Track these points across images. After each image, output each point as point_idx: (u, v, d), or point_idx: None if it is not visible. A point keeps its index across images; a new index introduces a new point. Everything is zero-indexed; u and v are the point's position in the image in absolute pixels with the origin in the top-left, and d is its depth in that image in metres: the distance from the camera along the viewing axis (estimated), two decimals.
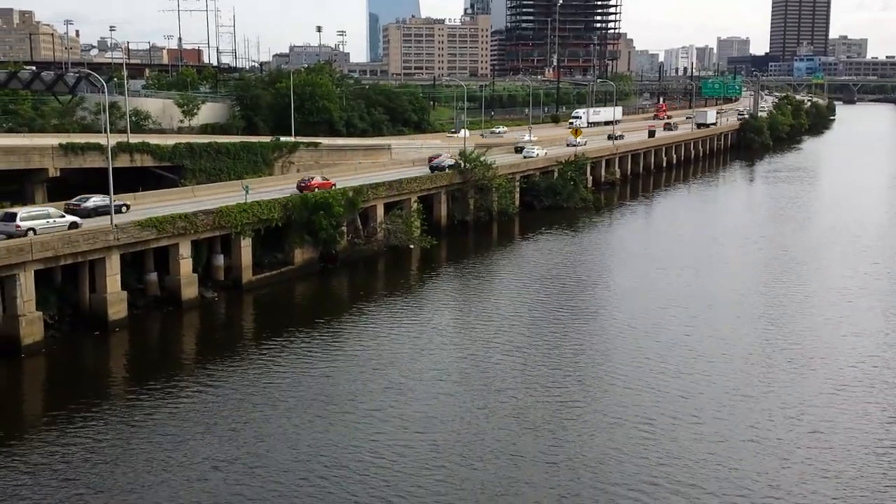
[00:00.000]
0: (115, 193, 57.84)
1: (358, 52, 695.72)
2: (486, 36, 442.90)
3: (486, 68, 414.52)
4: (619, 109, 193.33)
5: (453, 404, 42.14)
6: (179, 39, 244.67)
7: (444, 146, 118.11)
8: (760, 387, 44.97)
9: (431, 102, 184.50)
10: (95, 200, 61.99)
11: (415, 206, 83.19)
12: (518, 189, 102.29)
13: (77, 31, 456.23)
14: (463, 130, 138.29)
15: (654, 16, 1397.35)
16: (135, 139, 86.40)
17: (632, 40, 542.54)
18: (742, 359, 49.52)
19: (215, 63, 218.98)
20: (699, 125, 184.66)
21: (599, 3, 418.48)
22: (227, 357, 49.32)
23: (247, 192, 67.91)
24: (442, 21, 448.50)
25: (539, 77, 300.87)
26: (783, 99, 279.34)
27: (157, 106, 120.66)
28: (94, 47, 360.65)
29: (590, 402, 42.54)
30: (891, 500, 33.23)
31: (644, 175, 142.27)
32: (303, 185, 76.73)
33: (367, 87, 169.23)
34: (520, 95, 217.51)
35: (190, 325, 57.56)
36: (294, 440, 37.76)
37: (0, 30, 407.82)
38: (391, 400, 42.53)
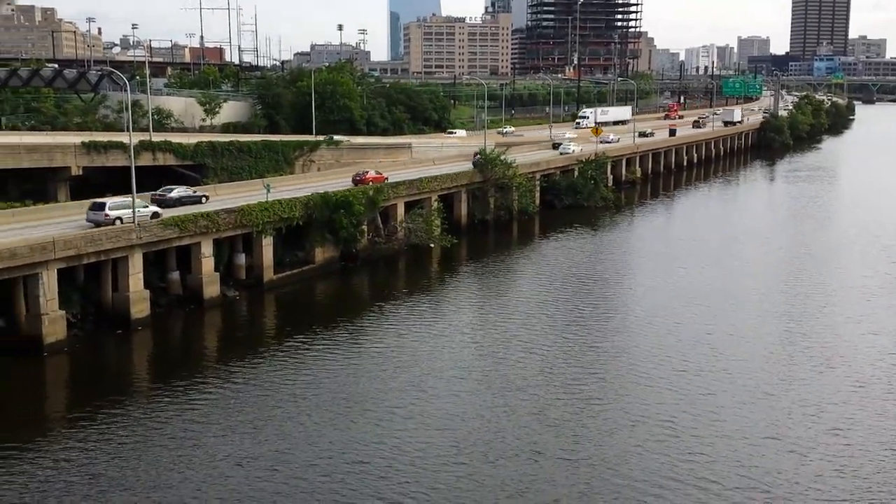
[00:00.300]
0: (138, 192, 58.21)
1: (379, 50, 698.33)
2: (507, 34, 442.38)
3: (507, 67, 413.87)
4: (628, 109, 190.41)
5: (474, 402, 42.16)
6: (201, 38, 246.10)
7: (465, 144, 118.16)
8: (781, 385, 44.77)
9: (452, 101, 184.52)
10: (179, 191, 67.15)
11: (435, 204, 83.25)
12: (538, 188, 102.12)
13: (99, 29, 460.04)
14: (460, 131, 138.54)
15: (675, 15, 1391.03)
16: (157, 138, 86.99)
17: (652, 39, 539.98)
18: (762, 357, 49.28)
19: (237, 62, 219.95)
20: (725, 123, 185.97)
21: (620, 1, 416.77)
22: (248, 355, 49.58)
23: (268, 190, 68.21)
24: (463, 19, 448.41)
25: (559, 76, 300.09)
26: (803, 98, 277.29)
27: (180, 104, 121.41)
28: (116, 45, 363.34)
29: (610, 400, 42.42)
30: None
31: (665, 174, 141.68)
32: (358, 178, 79.83)
33: (388, 85, 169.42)
34: (540, 94, 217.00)
35: (212, 324, 57.91)
36: (315, 438, 37.90)
37: (22, 27, 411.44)
38: (412, 398, 42.60)
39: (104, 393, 43.51)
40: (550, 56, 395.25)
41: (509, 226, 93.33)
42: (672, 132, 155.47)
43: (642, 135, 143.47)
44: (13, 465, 35.02)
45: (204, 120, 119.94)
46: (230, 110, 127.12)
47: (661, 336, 53.24)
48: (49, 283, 49.12)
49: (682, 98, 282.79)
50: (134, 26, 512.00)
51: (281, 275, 66.11)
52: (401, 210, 78.97)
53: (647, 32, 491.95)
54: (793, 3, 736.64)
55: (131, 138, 60.47)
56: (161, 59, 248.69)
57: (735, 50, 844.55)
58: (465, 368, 47.07)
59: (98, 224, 55.20)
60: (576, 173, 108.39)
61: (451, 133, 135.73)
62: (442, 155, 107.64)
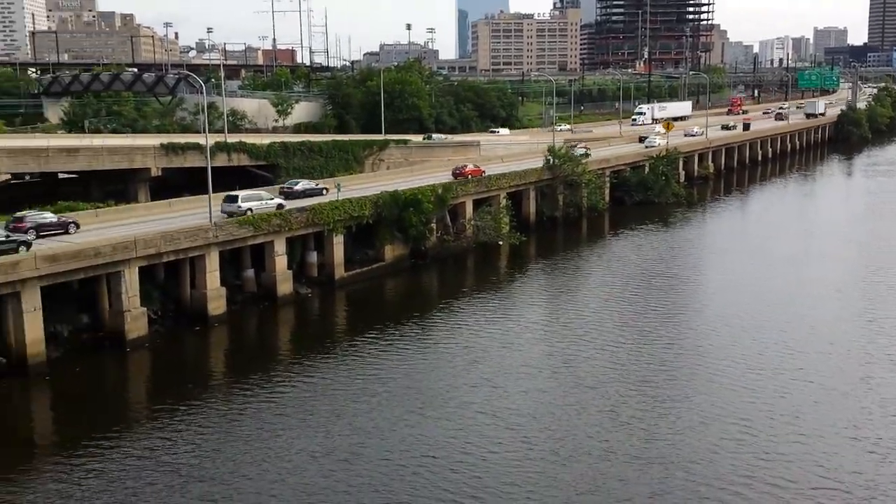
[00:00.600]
0: (214, 192, 59.72)
1: (447, 48, 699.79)
2: (576, 30, 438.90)
3: (576, 62, 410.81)
4: (687, 104, 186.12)
5: (544, 400, 42.18)
6: (274, 40, 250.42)
7: (533, 141, 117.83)
8: (860, 384, 43.67)
9: (520, 98, 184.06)
10: (304, 184, 72.36)
11: (503, 202, 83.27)
12: (608, 184, 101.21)
13: (176, 34, 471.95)
14: (503, 130, 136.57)
15: (748, 6, 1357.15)
16: (232, 139, 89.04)
17: (725, 31, 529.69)
18: (840, 356, 48.11)
19: (308, 63, 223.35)
20: (808, 115, 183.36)
21: None
22: (320, 351, 50.48)
23: (339, 190, 69.22)
24: (531, 16, 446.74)
25: (630, 70, 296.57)
26: (882, 90, 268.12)
27: (253, 106, 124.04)
28: (192, 49, 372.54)
29: (683, 399, 41.95)
30: None
31: (738, 169, 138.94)
32: (457, 171, 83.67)
33: (456, 83, 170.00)
34: (610, 89, 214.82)
35: (285, 321, 59.08)
36: (387, 433, 38.42)
37: (103, 32, 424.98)
38: (482, 395, 42.82)
39: (184, 387, 44.86)
40: (620, 51, 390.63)
41: (578, 223, 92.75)
42: (746, 126, 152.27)
43: (725, 128, 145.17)
44: (99, 455, 36.41)
45: (276, 120, 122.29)
46: (301, 111, 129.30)
47: (735, 334, 52.36)
48: (131, 281, 50.77)
49: (756, 91, 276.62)
50: (209, 30, 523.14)
51: (351, 272, 67.05)
52: (469, 208, 79.22)
53: (719, 25, 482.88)
54: None
55: (207, 140, 62.05)
56: (235, 62, 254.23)
57: (811, 41, 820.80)
58: (535, 366, 47.09)
59: (231, 214, 59.47)
60: (646, 169, 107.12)
61: (494, 132, 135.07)
62: (510, 152, 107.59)
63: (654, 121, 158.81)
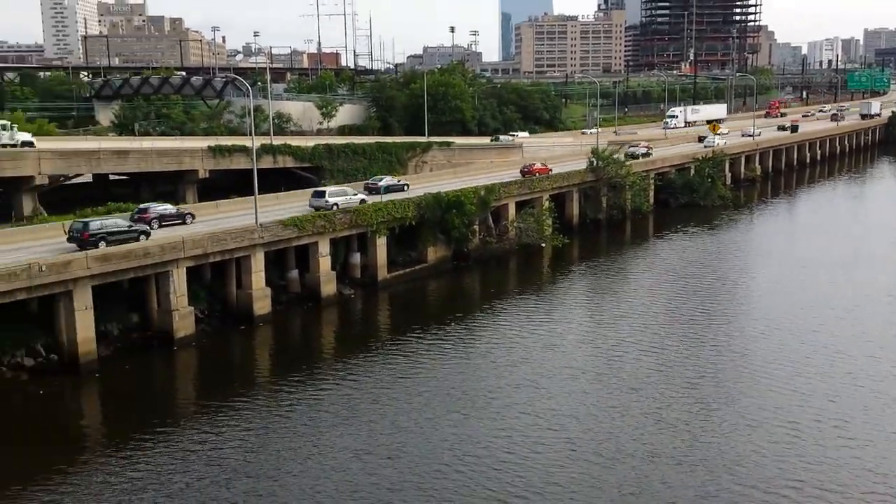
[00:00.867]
0: (259, 194, 60.54)
1: (490, 51, 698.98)
2: (621, 31, 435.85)
3: (620, 64, 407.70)
4: (722, 107, 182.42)
5: (587, 402, 42.02)
6: (319, 43, 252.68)
7: (577, 143, 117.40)
8: None
9: (563, 100, 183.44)
10: (387, 180, 76.07)
11: (546, 204, 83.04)
12: (653, 186, 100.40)
13: (223, 38, 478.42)
14: (522, 133, 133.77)
15: (797, 7, 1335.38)
16: (277, 141, 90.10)
17: (773, 32, 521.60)
18: (891, 360, 47.18)
19: (352, 66, 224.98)
20: (863, 116, 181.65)
21: None
22: (364, 351, 50.85)
23: (383, 191, 69.62)
24: (575, 17, 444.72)
25: (675, 72, 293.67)
26: None
27: (298, 108, 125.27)
28: (239, 53, 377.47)
29: (728, 403, 41.49)
30: None
31: (786, 171, 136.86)
32: (525, 169, 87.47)
33: (499, 85, 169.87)
34: (654, 91, 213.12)
35: (329, 321, 59.60)
36: (429, 433, 38.59)
37: (153, 37, 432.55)
38: (524, 396, 42.79)
39: (230, 385, 45.53)
40: (665, 52, 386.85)
41: (622, 225, 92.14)
42: (794, 128, 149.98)
43: (781, 128, 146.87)
44: (148, 450, 37.13)
45: (321, 123, 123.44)
46: (346, 113, 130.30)
47: (783, 338, 51.63)
48: (179, 281, 51.62)
49: (804, 93, 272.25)
50: (256, 34, 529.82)
51: (394, 273, 67.38)
52: (512, 210, 79.15)
53: (766, 26, 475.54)
54: None
55: (253, 142, 62.90)
56: (281, 65, 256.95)
57: (861, 42, 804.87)
58: (578, 367, 46.92)
59: (318, 209, 63.21)
60: (692, 171, 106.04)
61: (513, 136, 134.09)
62: (553, 154, 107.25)
63: (687, 124, 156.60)
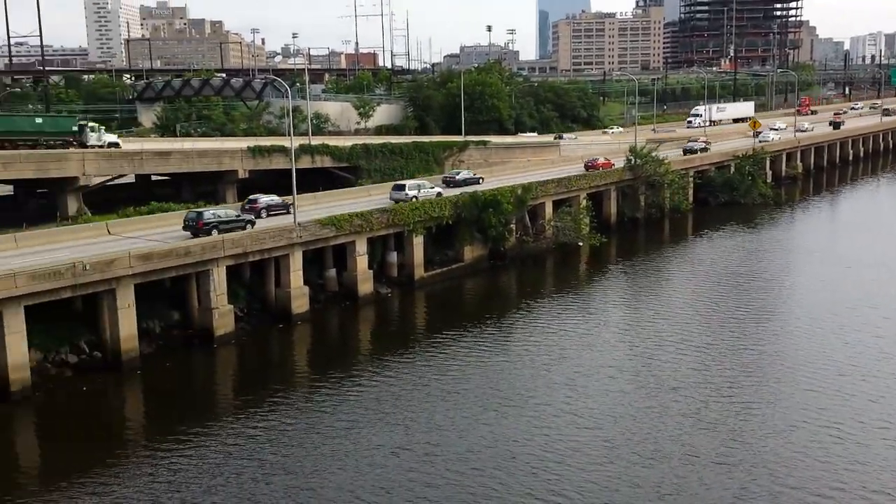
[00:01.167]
0: (299, 193, 61.08)
1: (527, 49, 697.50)
2: (659, 28, 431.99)
3: (659, 61, 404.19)
4: (749, 105, 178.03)
5: (625, 402, 41.75)
6: (356, 44, 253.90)
7: (614, 142, 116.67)
8: None
9: (601, 98, 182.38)
10: (464, 174, 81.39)
11: (584, 203, 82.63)
12: (692, 185, 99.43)
13: (263, 40, 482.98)
14: (531, 133, 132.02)
15: (839, 1, 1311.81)
16: (315, 141, 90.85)
17: (814, 28, 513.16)
18: None
19: (389, 66, 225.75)
20: None
21: None
22: (400, 350, 51.04)
23: (418, 191, 69.80)
24: (613, 15, 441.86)
25: (714, 69, 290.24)
26: None
27: (336, 109, 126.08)
28: (278, 54, 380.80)
29: (768, 403, 40.96)
30: None
31: (828, 169, 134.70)
32: (589, 164, 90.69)
33: (536, 84, 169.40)
34: (694, 88, 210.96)
35: (366, 320, 59.91)
36: (466, 431, 38.61)
37: (193, 39, 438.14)
38: (562, 395, 42.65)
39: (269, 383, 45.96)
40: (705, 49, 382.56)
41: (660, 224, 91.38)
42: (836, 125, 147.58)
43: (833, 125, 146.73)
44: (188, 446, 37.66)
45: (358, 123, 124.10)
46: (383, 113, 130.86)
47: (825, 338, 50.84)
48: (219, 280, 52.26)
49: (846, 89, 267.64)
50: (294, 35, 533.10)
51: (431, 273, 67.53)
52: (549, 208, 78.89)
53: (808, 21, 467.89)
54: None
55: (292, 143, 63.45)
56: (319, 66, 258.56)
57: None
58: (615, 367, 46.65)
59: (398, 201, 67.07)
60: (732, 169, 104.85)
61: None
62: (590, 153, 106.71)
63: (711, 122, 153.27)
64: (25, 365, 43.67)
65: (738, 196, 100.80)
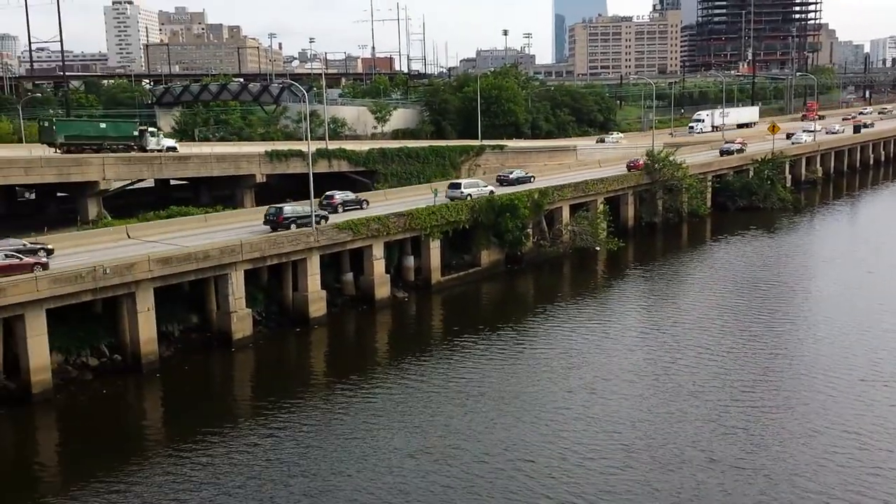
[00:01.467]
0: (315, 197, 61.25)
1: (544, 53, 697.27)
2: (676, 32, 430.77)
3: (676, 65, 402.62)
4: (754, 110, 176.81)
5: (643, 406, 41.58)
6: (373, 48, 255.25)
7: (631, 145, 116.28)
8: None
9: (618, 102, 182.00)
10: (517, 173, 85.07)
11: (601, 207, 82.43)
12: (710, 189, 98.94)
13: (280, 44, 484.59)
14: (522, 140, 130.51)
15: (859, 4, 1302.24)
16: (332, 146, 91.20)
17: (834, 31, 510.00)
18: None
19: (406, 70, 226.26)
20: None
21: None
22: (417, 354, 51.08)
23: (436, 195, 69.90)
24: (630, 18, 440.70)
25: (732, 72, 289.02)
26: None
27: (353, 113, 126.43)
28: (295, 59, 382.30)
29: (789, 409, 40.68)
30: None
31: (848, 173, 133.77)
32: (631, 164, 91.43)
33: (553, 88, 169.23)
34: (711, 92, 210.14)
35: (383, 323, 60.00)
36: (483, 435, 38.58)
37: (211, 44, 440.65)
38: (579, 400, 42.54)
39: (286, 386, 46.13)
40: (722, 52, 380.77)
41: (678, 228, 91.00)
42: (857, 128, 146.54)
43: (857, 129, 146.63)
44: (207, 449, 37.83)
45: (375, 127, 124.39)
46: (399, 117, 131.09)
47: (846, 343, 50.44)
48: (237, 283, 52.54)
49: (867, 92, 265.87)
50: (311, 40, 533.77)
51: (448, 277, 67.57)
52: (566, 213, 78.74)
53: (827, 24, 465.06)
54: None
55: (309, 147, 63.69)
56: (336, 71, 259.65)
57: None
58: (634, 372, 46.48)
59: (453, 199, 70.03)
60: (751, 173, 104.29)
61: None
62: (607, 157, 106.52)
63: (714, 128, 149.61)
64: (47, 367, 44.09)
65: (758, 200, 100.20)
